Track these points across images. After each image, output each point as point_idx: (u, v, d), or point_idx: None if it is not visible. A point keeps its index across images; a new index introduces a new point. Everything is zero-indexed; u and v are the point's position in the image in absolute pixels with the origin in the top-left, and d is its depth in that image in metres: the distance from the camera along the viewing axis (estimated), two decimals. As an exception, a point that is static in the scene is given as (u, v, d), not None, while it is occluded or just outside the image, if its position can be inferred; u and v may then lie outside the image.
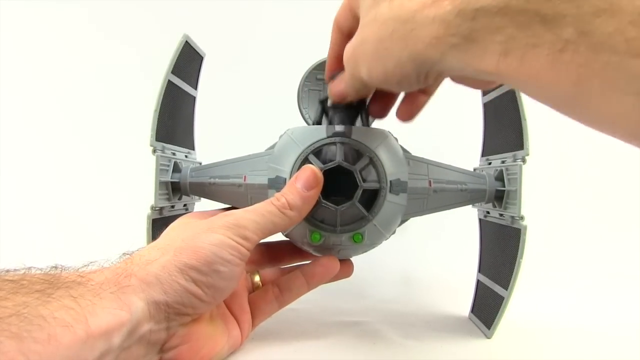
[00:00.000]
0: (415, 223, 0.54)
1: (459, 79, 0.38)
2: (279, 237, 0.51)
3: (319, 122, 0.51)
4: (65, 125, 1.00)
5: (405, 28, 0.32)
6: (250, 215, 0.43)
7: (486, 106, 0.62)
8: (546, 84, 0.26)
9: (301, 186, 0.44)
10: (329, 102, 0.50)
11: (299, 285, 0.50)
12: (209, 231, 0.41)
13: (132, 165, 0.75)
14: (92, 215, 0.94)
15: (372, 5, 0.36)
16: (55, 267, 0.37)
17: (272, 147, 0.52)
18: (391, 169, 0.47)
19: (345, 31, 0.44)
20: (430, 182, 0.51)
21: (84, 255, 0.41)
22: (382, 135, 0.49)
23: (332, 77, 0.47)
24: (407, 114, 0.46)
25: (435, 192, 0.51)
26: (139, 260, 0.40)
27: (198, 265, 0.39)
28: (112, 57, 1.00)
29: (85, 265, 0.39)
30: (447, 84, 0.39)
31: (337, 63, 0.46)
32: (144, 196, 0.52)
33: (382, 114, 0.49)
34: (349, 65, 0.41)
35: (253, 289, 0.52)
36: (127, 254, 0.42)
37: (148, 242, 0.50)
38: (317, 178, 0.45)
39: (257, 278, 0.53)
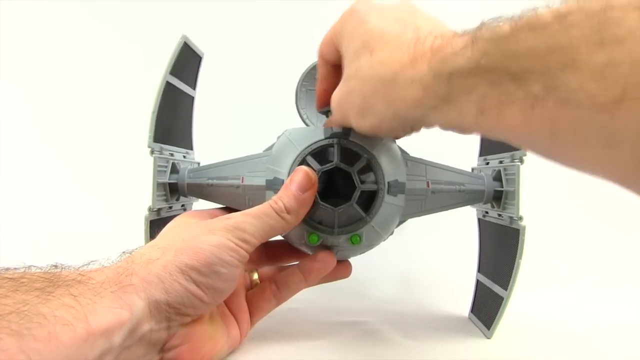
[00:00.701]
0: (415, 223, 0.54)
1: (446, 129, 0.39)
2: (277, 236, 0.50)
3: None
4: (64, 125, 0.99)
5: (387, 88, 0.35)
6: (250, 219, 0.43)
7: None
8: (523, 137, 0.27)
9: (296, 188, 0.44)
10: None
11: (297, 282, 0.50)
12: (210, 233, 0.41)
13: (131, 165, 0.75)
14: (91, 215, 0.94)
15: (353, 55, 0.39)
16: (56, 266, 0.37)
17: (270, 148, 0.52)
18: (389, 170, 0.47)
19: (330, 63, 0.46)
20: (428, 183, 0.51)
21: (83, 255, 0.40)
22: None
23: (323, 111, 0.49)
24: None
25: (434, 193, 0.51)
26: (140, 259, 0.39)
27: (198, 266, 0.39)
28: (111, 57, 1.00)
29: (85, 264, 0.39)
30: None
31: (326, 96, 0.48)
32: (143, 196, 0.52)
33: None
34: (337, 114, 0.43)
35: (251, 286, 0.52)
36: (128, 253, 0.42)
37: (146, 243, 0.49)
38: (310, 179, 0.45)
39: (255, 276, 0.53)
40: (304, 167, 0.46)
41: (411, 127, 0.38)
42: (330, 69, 0.47)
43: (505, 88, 0.26)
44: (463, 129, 0.33)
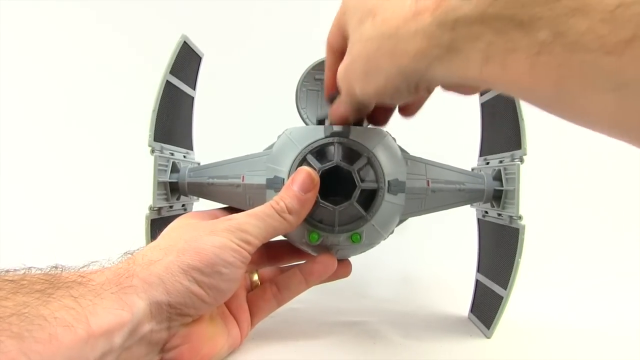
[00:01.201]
0: (415, 223, 0.54)
1: (449, 87, 0.39)
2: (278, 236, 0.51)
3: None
4: (64, 125, 0.99)
5: (390, 43, 0.34)
6: (252, 220, 0.43)
7: (484, 106, 0.62)
8: (528, 86, 0.27)
9: (298, 189, 0.44)
10: (327, 123, 0.50)
11: (297, 283, 0.50)
12: (212, 234, 0.41)
13: (132, 165, 0.75)
14: (91, 215, 0.94)
15: (357, 24, 0.38)
16: (56, 267, 0.37)
17: (271, 147, 0.52)
18: (389, 169, 0.47)
19: (338, 52, 0.45)
20: (428, 182, 0.51)
21: (84, 254, 0.41)
22: (380, 135, 0.49)
23: (331, 98, 0.48)
24: (410, 109, 0.48)
25: (434, 192, 0.51)
26: (142, 260, 0.39)
27: (201, 267, 0.39)
28: (111, 57, 1.00)
29: (86, 265, 0.39)
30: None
31: (334, 85, 0.47)
32: (143, 196, 0.52)
33: (382, 122, 0.50)
34: (343, 86, 0.42)
35: (251, 287, 0.52)
36: (129, 254, 0.42)
37: (147, 243, 0.50)
38: (313, 180, 0.45)
39: (255, 277, 0.53)
40: (306, 168, 0.46)
41: (416, 84, 0.36)
42: (338, 58, 0.46)
43: (511, 35, 0.26)
44: (467, 80, 0.31)
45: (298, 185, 0.45)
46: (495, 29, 0.27)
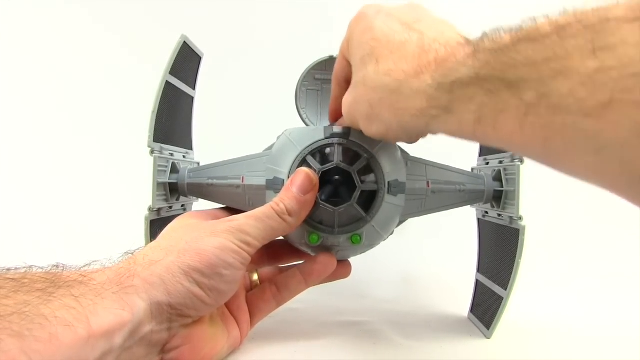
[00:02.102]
0: (415, 223, 0.54)
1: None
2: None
3: None
4: (64, 125, 0.99)
5: (392, 99, 0.36)
6: (252, 221, 0.43)
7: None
8: (518, 145, 0.28)
9: (297, 190, 0.45)
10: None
11: (297, 283, 0.50)
12: (213, 235, 0.42)
13: (131, 165, 0.75)
14: (91, 215, 0.94)
15: (360, 62, 0.40)
16: (57, 266, 0.37)
17: (270, 147, 0.52)
18: (389, 170, 0.48)
19: (344, 82, 0.47)
20: (428, 182, 0.51)
21: (84, 254, 0.41)
22: None
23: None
24: None
25: (434, 193, 0.51)
26: (142, 260, 0.39)
27: (202, 268, 0.39)
28: (110, 57, 1.00)
29: (87, 265, 0.39)
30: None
31: (337, 115, 0.51)
32: (143, 196, 0.52)
33: None
34: (347, 118, 0.45)
35: (251, 287, 0.52)
36: (130, 253, 0.42)
37: (147, 243, 0.49)
38: (312, 181, 0.45)
39: (255, 277, 0.53)
40: (305, 169, 0.46)
41: (416, 135, 0.39)
42: (344, 91, 0.47)
43: (501, 96, 0.27)
44: (462, 137, 0.33)
45: (297, 187, 0.45)
46: (486, 90, 0.28)
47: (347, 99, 0.43)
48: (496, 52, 0.28)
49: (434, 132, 0.37)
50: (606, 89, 0.22)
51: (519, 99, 0.26)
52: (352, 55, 0.42)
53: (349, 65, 0.45)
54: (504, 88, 0.27)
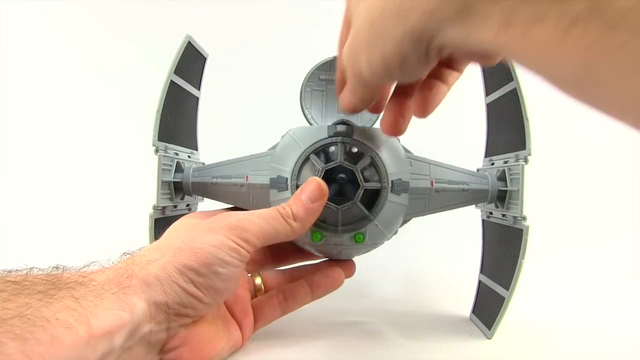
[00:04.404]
0: (417, 223, 0.54)
1: (463, 54, 0.34)
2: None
3: None
4: (68, 125, 1.00)
5: (395, 2, 0.30)
6: (254, 219, 0.43)
7: (489, 106, 0.62)
8: (551, 60, 0.24)
9: (306, 198, 0.45)
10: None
11: (303, 294, 0.51)
12: (210, 231, 0.41)
13: (136, 164, 0.75)
14: (95, 214, 0.94)
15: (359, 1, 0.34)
16: (57, 268, 0.37)
17: (274, 147, 0.52)
18: (393, 169, 0.48)
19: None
20: (432, 182, 0.51)
21: (87, 255, 0.41)
22: (384, 135, 0.49)
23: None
24: (423, 105, 0.40)
25: (437, 192, 0.51)
26: (140, 260, 0.40)
27: (196, 267, 0.39)
28: (115, 57, 1.00)
29: (86, 265, 0.39)
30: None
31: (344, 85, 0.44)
32: (148, 196, 0.52)
33: (395, 131, 0.42)
34: (348, 65, 0.38)
35: (255, 291, 0.53)
36: (128, 254, 0.42)
37: (150, 242, 0.50)
38: (322, 191, 0.45)
39: (258, 280, 0.53)
40: (316, 178, 0.46)
41: (425, 48, 0.31)
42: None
43: (538, 4, 0.23)
44: (483, 45, 0.27)
45: (306, 194, 0.45)
46: None
47: (347, 43, 0.37)
48: None
49: (446, 42, 0.29)
50: None
51: (564, 9, 0.22)
52: (352, 3, 0.36)
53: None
54: None
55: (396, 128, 0.41)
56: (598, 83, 0.22)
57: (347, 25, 0.39)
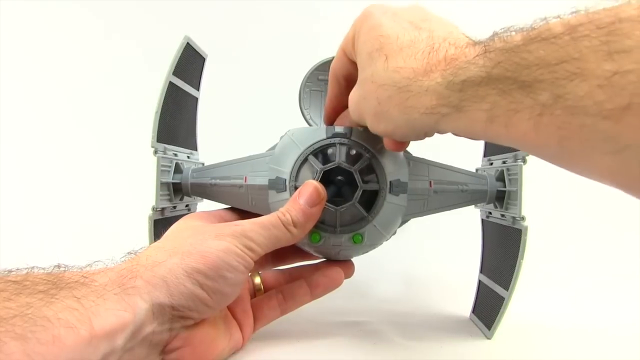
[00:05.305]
0: (416, 223, 0.54)
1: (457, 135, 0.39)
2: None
3: None
4: (67, 125, 1.00)
5: (401, 96, 0.36)
6: (257, 228, 0.44)
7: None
8: (532, 145, 0.28)
9: (304, 202, 0.45)
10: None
11: (303, 294, 0.51)
12: (217, 238, 0.42)
13: (135, 165, 0.75)
14: (95, 215, 0.94)
15: (367, 58, 0.39)
16: (59, 267, 0.37)
17: (273, 148, 0.52)
18: (391, 170, 0.48)
19: (343, 81, 0.47)
20: (430, 182, 0.51)
21: (87, 254, 0.41)
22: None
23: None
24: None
25: (436, 192, 0.52)
26: (145, 261, 0.40)
27: (205, 270, 0.39)
28: (114, 58, 1.00)
29: (88, 265, 0.39)
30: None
31: (334, 114, 0.50)
32: (147, 197, 0.52)
33: (399, 148, 0.44)
34: (354, 115, 0.43)
35: (254, 290, 0.53)
36: (133, 254, 0.42)
37: (150, 243, 0.50)
38: (320, 194, 0.45)
39: (257, 280, 0.53)
40: (313, 182, 0.46)
41: (424, 133, 0.38)
42: (343, 89, 0.47)
43: (514, 96, 0.27)
44: (473, 136, 0.34)
45: (305, 199, 0.45)
46: (499, 90, 0.28)
47: (354, 96, 0.42)
48: (507, 51, 0.28)
49: (442, 131, 0.36)
50: (625, 93, 0.22)
51: (534, 99, 0.26)
52: (359, 52, 0.41)
53: (350, 63, 0.45)
54: (517, 88, 0.27)
55: (399, 145, 0.44)
56: (573, 159, 0.27)
57: (345, 54, 0.45)
